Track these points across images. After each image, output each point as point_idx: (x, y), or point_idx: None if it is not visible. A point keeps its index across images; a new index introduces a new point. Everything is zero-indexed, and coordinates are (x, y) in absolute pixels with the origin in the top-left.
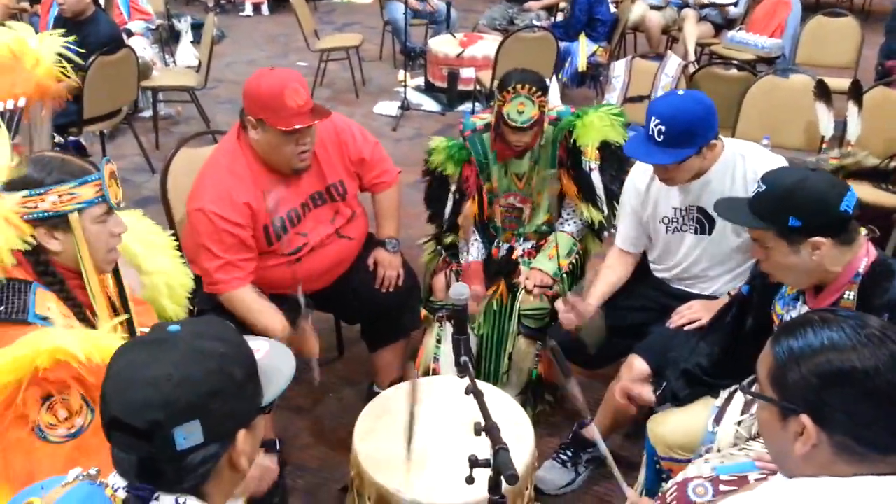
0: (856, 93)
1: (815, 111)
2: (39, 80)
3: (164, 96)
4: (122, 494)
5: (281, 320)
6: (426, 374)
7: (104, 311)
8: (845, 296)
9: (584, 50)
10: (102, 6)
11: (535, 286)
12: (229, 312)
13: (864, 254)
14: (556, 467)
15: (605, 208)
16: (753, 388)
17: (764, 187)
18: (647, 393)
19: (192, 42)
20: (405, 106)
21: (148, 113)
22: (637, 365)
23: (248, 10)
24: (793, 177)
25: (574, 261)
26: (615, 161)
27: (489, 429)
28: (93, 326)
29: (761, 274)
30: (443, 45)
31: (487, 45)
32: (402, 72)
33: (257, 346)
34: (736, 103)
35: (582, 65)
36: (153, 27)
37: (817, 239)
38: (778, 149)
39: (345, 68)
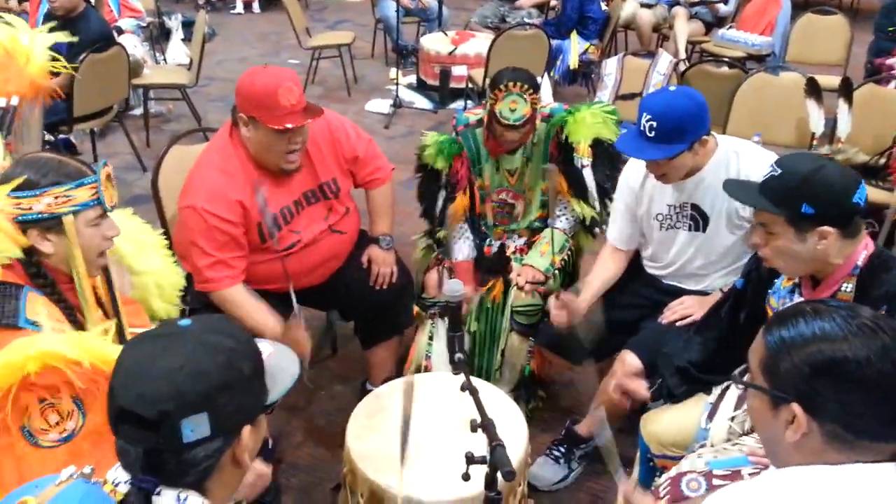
0: (846, 90)
1: (806, 108)
2: (33, 77)
3: (154, 94)
4: (123, 489)
5: (273, 319)
6: (418, 370)
7: (94, 313)
8: (843, 288)
9: (575, 48)
10: (93, 3)
11: (526, 282)
12: (220, 311)
13: (864, 247)
14: (549, 463)
15: (596, 205)
16: (745, 378)
17: (779, 171)
18: (641, 389)
19: (182, 40)
20: (397, 104)
21: (139, 111)
22: (630, 360)
23: (239, 7)
24: (809, 164)
25: (566, 257)
26: (607, 159)
27: (485, 425)
28: (83, 329)
29: (757, 267)
30: (435, 42)
31: (479, 42)
32: (393, 69)
33: (262, 348)
34: (727, 101)
35: (573, 63)
36: (144, 25)
37: (825, 228)
38: (769, 146)
39: (337, 66)
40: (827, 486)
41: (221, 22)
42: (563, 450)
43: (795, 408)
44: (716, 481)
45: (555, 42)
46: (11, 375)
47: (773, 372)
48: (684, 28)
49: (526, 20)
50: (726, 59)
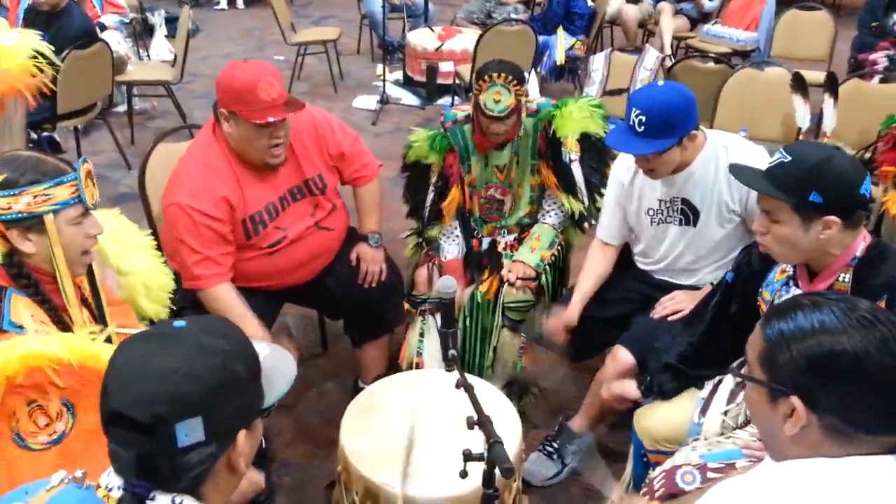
0: (831, 85)
1: (792, 103)
2: (13, 75)
3: (138, 91)
4: (116, 494)
5: (258, 327)
6: (410, 368)
7: (78, 313)
8: (840, 278)
9: (562, 43)
10: None
11: (517, 278)
12: (206, 311)
13: (862, 238)
14: (543, 459)
15: (585, 199)
16: (743, 371)
17: (789, 158)
18: (632, 390)
19: (165, 36)
20: (384, 100)
21: (123, 108)
22: (622, 356)
23: (223, 3)
24: (820, 153)
25: (556, 252)
26: (595, 153)
27: (482, 422)
28: (68, 329)
29: (748, 261)
30: (421, 38)
31: (466, 38)
32: (380, 66)
33: (258, 349)
34: (713, 96)
35: (560, 58)
36: (127, 21)
37: (830, 218)
38: (755, 140)
39: (322, 62)
40: (826, 479)
41: (205, 18)
42: (556, 445)
43: (795, 401)
44: (710, 474)
45: (541, 38)
46: None
47: (771, 365)
48: (670, 24)
49: (512, 15)
50: (712, 55)
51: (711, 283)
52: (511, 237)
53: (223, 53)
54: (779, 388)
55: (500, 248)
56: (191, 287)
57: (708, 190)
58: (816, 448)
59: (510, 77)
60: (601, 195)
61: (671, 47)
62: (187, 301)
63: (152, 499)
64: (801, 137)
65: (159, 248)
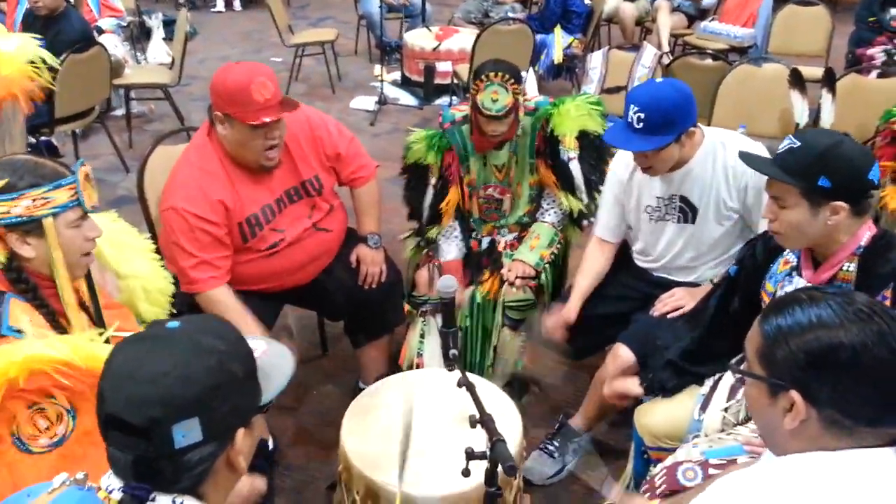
0: (829, 80)
1: (790, 99)
2: (12, 80)
3: (136, 94)
4: (116, 496)
5: (257, 329)
6: (410, 368)
7: (77, 317)
8: (845, 267)
9: (559, 42)
10: (72, 3)
11: (517, 277)
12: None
13: (868, 227)
14: (544, 458)
15: (584, 197)
16: (742, 367)
17: (798, 144)
18: (634, 387)
19: (163, 39)
20: (382, 100)
21: (120, 111)
22: (622, 354)
23: (220, 6)
24: (829, 138)
25: (556, 251)
26: (594, 150)
27: (485, 421)
28: (66, 334)
29: (751, 254)
30: (419, 38)
31: (463, 38)
32: (377, 66)
33: (255, 345)
34: (711, 92)
35: (558, 57)
36: (124, 24)
37: (839, 203)
38: (753, 137)
39: (320, 63)
40: (826, 472)
41: (202, 20)
42: (556, 444)
43: (794, 395)
44: (712, 470)
45: (539, 37)
46: None
47: (770, 360)
48: (667, 21)
49: (510, 15)
50: (710, 52)
51: (711, 281)
52: (511, 236)
53: (221, 56)
54: (778, 382)
55: (500, 248)
56: (188, 291)
57: (706, 187)
58: (816, 441)
59: (507, 76)
60: (600, 193)
61: (668, 44)
62: (186, 304)
63: (152, 500)
64: None
65: (158, 251)
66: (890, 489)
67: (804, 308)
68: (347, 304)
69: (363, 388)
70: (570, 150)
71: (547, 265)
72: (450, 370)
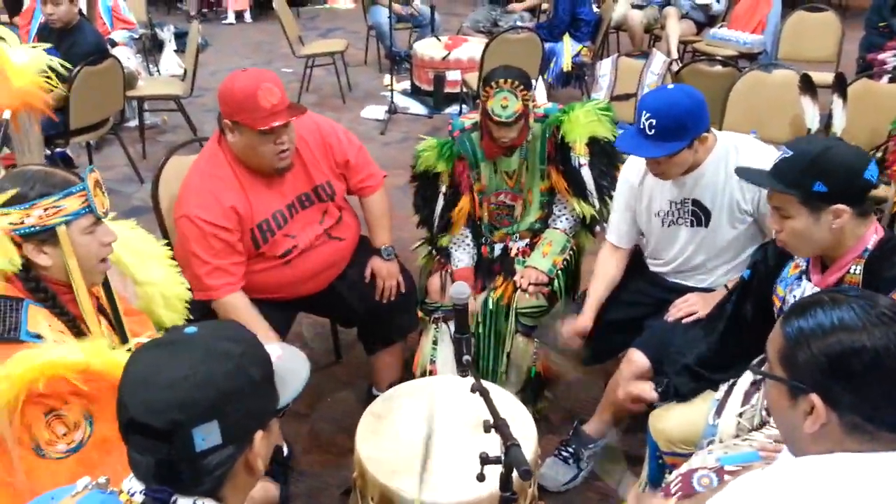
0: (840, 86)
1: (801, 105)
2: (25, 91)
3: (149, 105)
4: (138, 499)
5: (271, 336)
6: (423, 375)
7: (95, 322)
8: (852, 270)
9: (568, 50)
10: (86, 16)
11: (530, 284)
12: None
13: (874, 231)
14: (559, 464)
15: (596, 203)
16: (763, 368)
17: (790, 153)
18: (649, 392)
19: (175, 51)
20: (392, 110)
21: (134, 123)
22: (636, 359)
23: (231, 18)
24: (819, 144)
25: (568, 257)
26: (604, 156)
27: (499, 425)
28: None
29: (764, 259)
30: (428, 48)
31: (473, 47)
32: (387, 76)
33: (271, 349)
34: (721, 99)
35: (567, 65)
36: (136, 36)
37: (839, 207)
38: (765, 142)
39: (330, 73)
40: (847, 474)
41: (213, 32)
42: (571, 450)
43: (814, 398)
44: (727, 477)
45: (547, 45)
46: (17, 388)
47: (791, 362)
48: (676, 28)
49: (518, 23)
50: (719, 58)
51: (725, 286)
52: (523, 243)
53: (232, 67)
54: (798, 385)
55: (511, 254)
56: (203, 298)
57: (719, 191)
58: (837, 445)
59: (517, 82)
60: (612, 198)
61: (678, 51)
62: (201, 313)
63: (174, 502)
64: None
65: (174, 258)
66: None
67: (826, 310)
68: (361, 311)
69: (377, 395)
70: (580, 157)
71: (559, 271)
72: (463, 376)
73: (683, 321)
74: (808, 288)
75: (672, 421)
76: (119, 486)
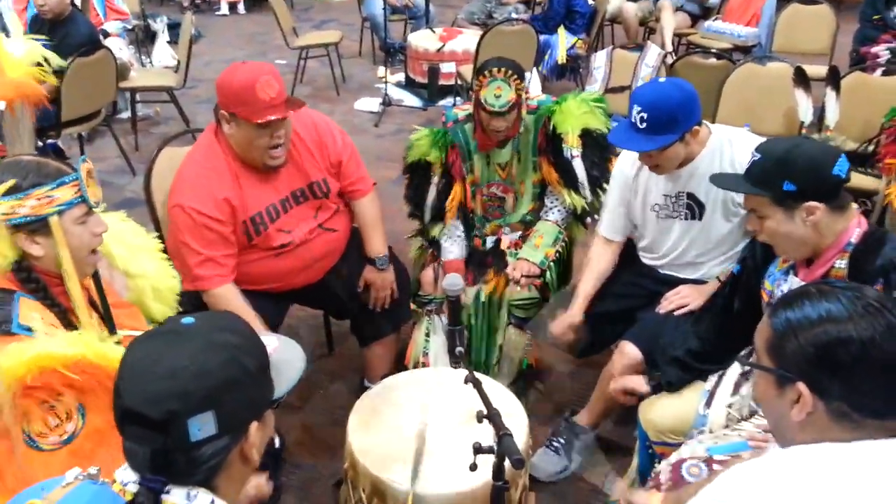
0: (833, 79)
1: (794, 97)
2: (20, 82)
3: (142, 97)
4: (132, 489)
5: (262, 328)
6: (416, 367)
7: (86, 314)
8: (836, 264)
9: (563, 42)
10: (78, 6)
11: (522, 276)
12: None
13: (857, 224)
14: (550, 455)
15: (588, 194)
16: (751, 359)
17: (758, 156)
18: (640, 385)
19: (168, 42)
20: (386, 102)
21: (126, 114)
22: (629, 351)
23: (224, 9)
24: (786, 143)
25: (560, 249)
26: (597, 148)
27: (492, 416)
28: (77, 331)
29: (752, 254)
30: (422, 40)
31: (467, 39)
32: (381, 68)
33: (267, 341)
34: (715, 91)
35: (561, 57)
36: (129, 27)
37: (811, 204)
38: (758, 135)
39: (324, 65)
40: (834, 464)
41: (207, 23)
42: (562, 441)
43: (801, 387)
44: (716, 467)
45: (542, 37)
46: (9, 381)
47: (779, 353)
48: (670, 21)
49: (513, 15)
50: (713, 51)
51: (718, 278)
52: (515, 235)
53: (225, 59)
54: (786, 374)
55: (504, 247)
56: (192, 288)
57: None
58: (824, 433)
59: (510, 72)
60: (603, 190)
61: (672, 44)
62: (192, 304)
63: (167, 492)
64: (804, 132)
65: (166, 250)
66: None
67: (814, 302)
68: (354, 303)
69: (369, 387)
70: (573, 148)
71: (551, 263)
72: (456, 367)
73: (675, 313)
74: (794, 283)
75: (662, 411)
76: (112, 477)
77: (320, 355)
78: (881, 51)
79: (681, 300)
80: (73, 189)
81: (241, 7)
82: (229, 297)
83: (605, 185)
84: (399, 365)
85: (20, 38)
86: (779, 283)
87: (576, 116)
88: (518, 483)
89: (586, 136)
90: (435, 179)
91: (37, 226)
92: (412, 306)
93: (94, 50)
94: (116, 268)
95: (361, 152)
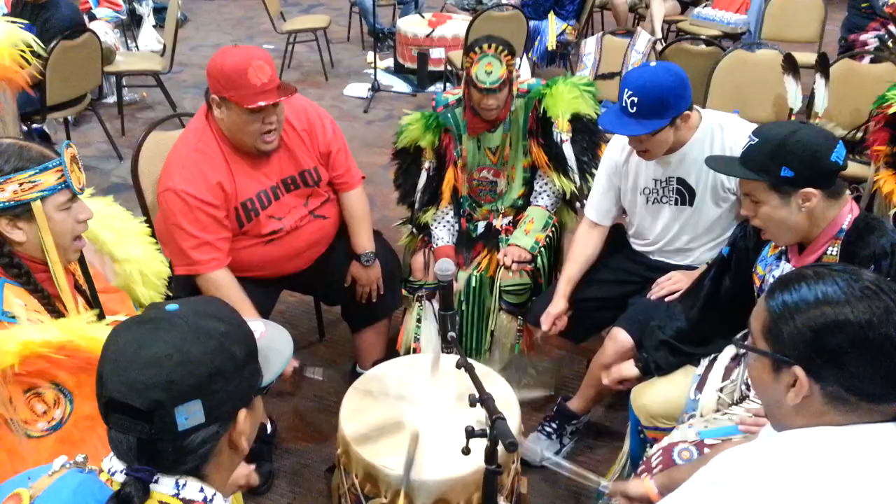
0: (822, 66)
1: (784, 84)
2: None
3: (127, 81)
4: (119, 478)
5: (255, 314)
6: (407, 353)
7: (71, 300)
8: (828, 251)
9: (553, 28)
10: None
11: (513, 262)
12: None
13: (849, 210)
14: (542, 439)
15: (577, 179)
16: (746, 342)
17: (756, 140)
18: (630, 369)
19: (154, 26)
20: (375, 87)
21: (112, 99)
22: (621, 338)
23: None
24: (784, 129)
25: (550, 234)
26: (587, 133)
27: (484, 399)
28: (62, 317)
29: (744, 236)
30: (411, 25)
31: (457, 24)
32: (370, 53)
33: (254, 326)
34: (705, 78)
35: (551, 43)
36: (123, 17)
37: (808, 190)
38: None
39: (312, 50)
40: (829, 447)
41: (193, 7)
42: (554, 426)
43: (797, 370)
44: (707, 450)
45: (532, 23)
46: None
47: (775, 336)
48: (660, 7)
49: (503, 1)
50: (703, 38)
51: (707, 263)
52: (506, 220)
53: (212, 43)
54: (782, 358)
55: (496, 227)
56: (187, 273)
57: (704, 169)
58: (819, 417)
59: (501, 48)
60: (592, 175)
61: (662, 31)
62: (184, 291)
63: (156, 481)
64: (793, 118)
65: (153, 235)
66: (893, 465)
67: (811, 284)
68: (345, 289)
69: (361, 373)
70: (562, 133)
71: (542, 248)
72: (447, 352)
73: (666, 299)
74: (786, 269)
75: (653, 396)
76: (99, 464)
77: (312, 341)
78: (869, 38)
79: (672, 286)
80: (56, 174)
81: None
82: (223, 282)
83: (594, 171)
84: (391, 351)
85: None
86: (770, 269)
87: (566, 101)
88: (510, 467)
89: (576, 121)
90: (426, 164)
91: (19, 211)
92: (403, 292)
93: (79, 33)
94: (104, 253)
95: (351, 138)
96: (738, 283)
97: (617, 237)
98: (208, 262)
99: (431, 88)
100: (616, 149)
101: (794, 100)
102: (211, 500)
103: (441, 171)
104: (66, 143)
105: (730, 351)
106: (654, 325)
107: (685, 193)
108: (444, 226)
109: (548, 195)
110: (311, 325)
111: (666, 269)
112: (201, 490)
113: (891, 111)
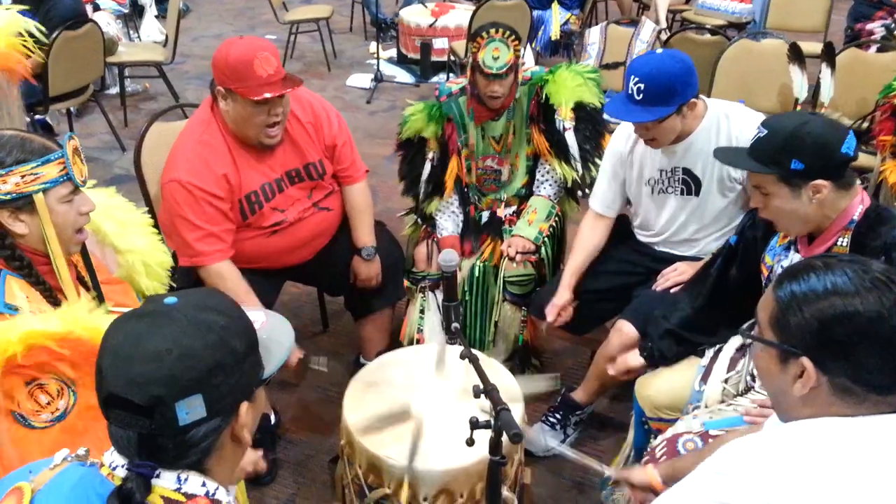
0: (828, 55)
1: (789, 74)
2: (4, 55)
3: (130, 72)
4: (121, 473)
5: (258, 306)
6: (411, 344)
7: (73, 292)
8: (839, 242)
9: (556, 18)
10: None
11: (517, 253)
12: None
13: (860, 201)
14: (546, 430)
15: (579, 168)
16: (753, 333)
17: (765, 132)
18: (635, 359)
19: (156, 17)
20: (378, 78)
21: (115, 90)
22: (626, 329)
23: None
24: (794, 120)
25: (554, 224)
26: (590, 122)
27: (489, 391)
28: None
29: (752, 225)
30: (414, 15)
31: (460, 14)
32: (373, 44)
33: (254, 316)
34: (710, 68)
35: (555, 33)
36: (126, 11)
37: (818, 182)
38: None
39: (315, 41)
40: (835, 438)
41: None
42: (558, 416)
43: (805, 361)
44: (711, 441)
45: (536, 13)
46: None
47: (782, 326)
48: None
49: None
50: (708, 27)
51: (713, 253)
52: (510, 210)
53: (214, 34)
54: (789, 349)
55: (500, 215)
56: (191, 264)
57: (709, 159)
58: (826, 408)
59: (508, 33)
60: (595, 165)
61: (666, 20)
62: (187, 282)
63: (157, 476)
64: (798, 108)
65: (156, 226)
66: None
67: (819, 275)
68: (348, 280)
69: (364, 364)
70: (565, 121)
71: (546, 238)
72: (451, 343)
73: (672, 291)
74: (795, 259)
75: (658, 387)
76: (101, 456)
77: (315, 332)
78: (876, 27)
79: (678, 277)
80: (58, 166)
81: None
82: (227, 274)
83: (596, 161)
84: (394, 342)
85: (0, 8)
86: (779, 259)
87: (569, 89)
88: (514, 458)
89: (579, 109)
90: (430, 155)
91: (21, 203)
92: (406, 283)
93: (81, 24)
94: (107, 244)
95: (353, 129)
96: (745, 272)
97: (622, 228)
98: (212, 253)
99: (435, 79)
100: (621, 139)
101: (800, 89)
102: (213, 494)
103: (445, 161)
104: (68, 135)
105: (735, 342)
106: (659, 315)
107: (691, 183)
108: (449, 216)
109: (550, 184)
110: (315, 316)
111: (671, 260)
112: (203, 484)
113: None
